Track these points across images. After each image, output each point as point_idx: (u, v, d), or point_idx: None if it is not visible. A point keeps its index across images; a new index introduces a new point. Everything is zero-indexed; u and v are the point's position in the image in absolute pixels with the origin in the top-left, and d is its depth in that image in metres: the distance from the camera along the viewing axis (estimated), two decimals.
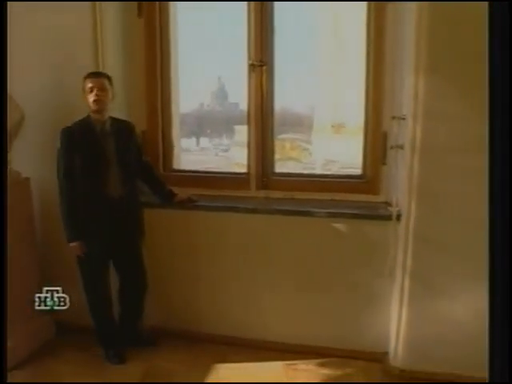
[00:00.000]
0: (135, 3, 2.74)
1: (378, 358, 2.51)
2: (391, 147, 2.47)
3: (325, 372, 2.46)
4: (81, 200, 2.40)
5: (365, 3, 2.54)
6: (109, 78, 2.45)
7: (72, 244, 2.41)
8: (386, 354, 2.50)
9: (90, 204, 2.41)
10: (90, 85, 2.38)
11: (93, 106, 2.40)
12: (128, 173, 2.50)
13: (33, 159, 2.71)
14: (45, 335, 2.68)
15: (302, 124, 3.39)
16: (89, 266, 2.48)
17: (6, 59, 2.27)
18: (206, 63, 3.14)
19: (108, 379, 2.38)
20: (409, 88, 2.25)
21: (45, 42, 2.65)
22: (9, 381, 2.24)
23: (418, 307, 2.36)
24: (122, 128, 2.52)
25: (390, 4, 2.45)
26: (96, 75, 2.43)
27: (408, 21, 2.26)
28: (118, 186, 2.45)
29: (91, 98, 2.38)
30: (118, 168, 2.46)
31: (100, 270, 2.52)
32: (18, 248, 2.46)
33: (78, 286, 2.49)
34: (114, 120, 2.50)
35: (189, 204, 2.67)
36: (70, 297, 2.39)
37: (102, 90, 2.40)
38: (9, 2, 2.29)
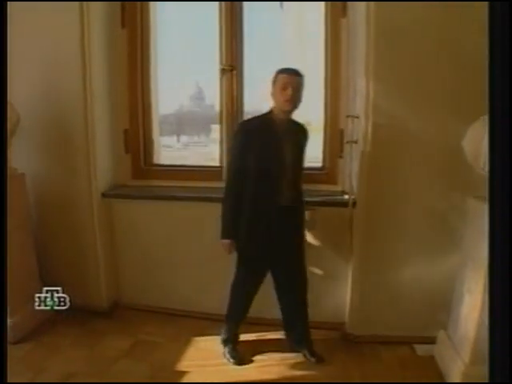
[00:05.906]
0: (119, 16, 2.89)
1: (336, 327, 2.72)
2: (347, 142, 2.66)
3: None
4: (248, 202, 2.24)
5: (322, 19, 2.74)
6: (302, 77, 2.21)
7: (224, 241, 2.30)
8: (343, 323, 2.71)
9: (256, 207, 2.24)
10: (284, 81, 2.16)
11: (284, 106, 2.20)
12: (299, 179, 2.33)
13: (27, 157, 2.82)
14: (45, 312, 2.71)
15: None
16: (245, 269, 2.36)
17: (6, 60, 2.24)
18: (184, 69, 3.29)
19: (100, 351, 2.54)
20: (361, 92, 2.47)
21: (38, 50, 2.75)
22: (15, 353, 2.39)
23: (369, 282, 2.58)
24: (298, 131, 2.34)
25: (344, 19, 2.68)
26: (293, 72, 2.17)
27: (359, 34, 2.48)
28: (289, 193, 2.27)
29: (283, 97, 2.17)
30: (291, 173, 2.27)
31: (255, 277, 2.39)
32: (17, 235, 2.63)
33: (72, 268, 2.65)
34: (292, 121, 2.31)
35: None
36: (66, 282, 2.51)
37: (296, 89, 2.17)
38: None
